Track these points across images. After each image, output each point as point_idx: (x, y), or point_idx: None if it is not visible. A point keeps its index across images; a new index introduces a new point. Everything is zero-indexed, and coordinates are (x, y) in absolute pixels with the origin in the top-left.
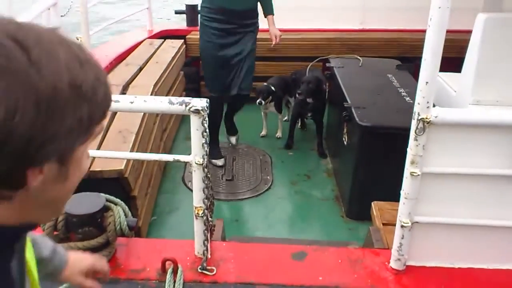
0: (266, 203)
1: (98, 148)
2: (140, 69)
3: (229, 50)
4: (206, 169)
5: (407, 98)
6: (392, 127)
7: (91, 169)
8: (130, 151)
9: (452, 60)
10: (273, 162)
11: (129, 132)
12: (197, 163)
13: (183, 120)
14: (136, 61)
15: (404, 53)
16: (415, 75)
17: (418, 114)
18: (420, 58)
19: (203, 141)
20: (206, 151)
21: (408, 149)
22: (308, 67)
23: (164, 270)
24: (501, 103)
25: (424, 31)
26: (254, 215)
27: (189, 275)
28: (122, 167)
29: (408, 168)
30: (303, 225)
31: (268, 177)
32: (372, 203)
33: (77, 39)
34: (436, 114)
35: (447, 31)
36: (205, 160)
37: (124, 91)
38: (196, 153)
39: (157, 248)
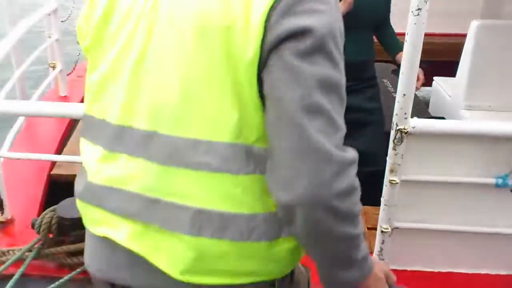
0: None
1: None
2: None
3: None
4: None
5: None
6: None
7: None
8: None
9: (451, 64)
10: None
11: None
12: None
13: None
14: None
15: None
16: None
17: (396, 125)
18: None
19: None
20: None
21: (388, 158)
22: None
23: None
24: (493, 109)
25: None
26: None
27: None
28: None
29: (387, 176)
30: None
31: None
32: None
33: (78, 43)
34: (413, 125)
35: (446, 35)
36: None
37: None
38: None
39: None
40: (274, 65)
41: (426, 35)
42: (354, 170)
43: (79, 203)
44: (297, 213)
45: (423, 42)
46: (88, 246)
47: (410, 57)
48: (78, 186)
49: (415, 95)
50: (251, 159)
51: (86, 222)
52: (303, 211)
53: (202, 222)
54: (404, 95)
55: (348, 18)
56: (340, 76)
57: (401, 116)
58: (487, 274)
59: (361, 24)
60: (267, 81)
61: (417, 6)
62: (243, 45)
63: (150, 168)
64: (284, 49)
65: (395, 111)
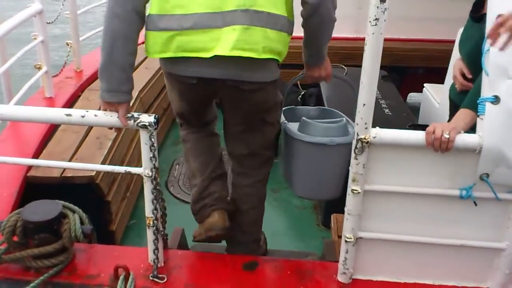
0: None
1: (74, 154)
2: None
3: None
4: (155, 182)
5: (386, 110)
6: None
7: (63, 175)
8: (105, 158)
9: (440, 71)
10: None
11: (107, 139)
12: (146, 176)
13: (172, 125)
14: None
15: (396, 62)
16: (401, 86)
17: (357, 135)
18: (411, 68)
19: (151, 155)
20: (155, 164)
21: (350, 168)
22: (299, 74)
23: (116, 277)
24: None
25: (415, 41)
26: None
27: (140, 282)
28: (93, 174)
29: (350, 186)
30: (279, 233)
31: None
32: (332, 215)
33: (67, 45)
34: (374, 135)
35: (435, 41)
36: (154, 172)
37: None
38: (146, 166)
39: (114, 254)
40: None
41: (418, 41)
42: None
43: (190, 34)
44: (319, 8)
45: (416, 48)
46: (186, 66)
47: (369, 67)
48: (175, 22)
49: (404, 102)
50: None
51: (195, 49)
52: (323, 7)
53: (270, 20)
54: (364, 104)
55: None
56: None
57: (362, 126)
58: (454, 286)
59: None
60: None
61: (375, 16)
62: None
63: None
64: None
65: (356, 121)
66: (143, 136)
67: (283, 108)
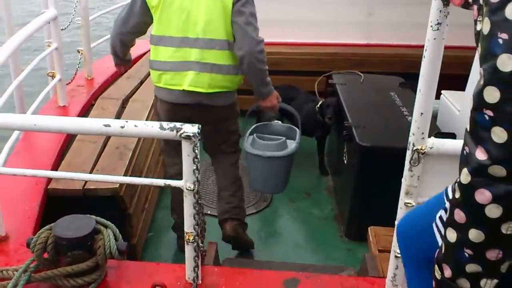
0: (265, 221)
1: (94, 165)
2: (141, 82)
3: None
4: (197, 195)
5: (409, 118)
6: (392, 147)
7: (85, 187)
8: (126, 169)
9: (457, 77)
10: None
11: (127, 149)
12: (188, 189)
13: None
14: (138, 74)
15: (408, 69)
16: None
17: (413, 145)
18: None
19: (194, 167)
20: (197, 177)
21: (403, 180)
22: (316, 83)
23: None
24: None
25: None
26: (252, 233)
27: None
28: (117, 186)
29: (402, 199)
30: (301, 244)
31: (268, 194)
32: (369, 228)
33: (78, 52)
34: (431, 145)
35: (454, 47)
36: (196, 186)
37: (124, 105)
38: (187, 178)
39: (148, 271)
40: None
41: None
42: (263, 44)
43: (169, 74)
44: (244, 59)
45: None
46: (168, 94)
47: (428, 74)
48: (161, 65)
49: None
50: (230, 45)
51: (173, 84)
52: (246, 58)
53: (215, 68)
54: (422, 114)
55: None
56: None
57: (418, 136)
58: None
59: None
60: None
61: (437, 20)
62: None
63: (197, 51)
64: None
65: (412, 131)
66: (186, 147)
67: (257, 124)
